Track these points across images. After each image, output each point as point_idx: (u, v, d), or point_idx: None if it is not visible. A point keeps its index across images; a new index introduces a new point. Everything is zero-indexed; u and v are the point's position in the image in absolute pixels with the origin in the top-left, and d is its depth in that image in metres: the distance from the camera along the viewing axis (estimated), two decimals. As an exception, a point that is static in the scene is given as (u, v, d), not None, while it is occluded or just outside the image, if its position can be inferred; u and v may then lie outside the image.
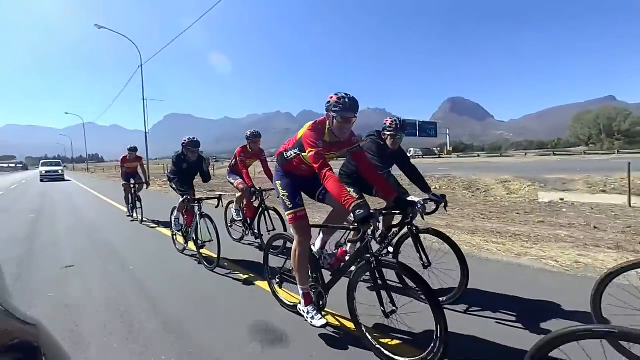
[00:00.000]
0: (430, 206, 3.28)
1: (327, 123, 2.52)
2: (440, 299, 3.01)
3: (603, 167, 14.86)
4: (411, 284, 2.63)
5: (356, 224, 2.11)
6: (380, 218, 3.19)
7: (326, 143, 2.56)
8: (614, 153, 35.11)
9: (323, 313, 2.74)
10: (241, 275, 4.00)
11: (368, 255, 2.28)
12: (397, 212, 2.73)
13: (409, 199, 2.75)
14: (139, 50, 24.86)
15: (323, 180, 2.30)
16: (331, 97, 2.45)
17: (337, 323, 2.78)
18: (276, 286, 3.15)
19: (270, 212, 5.07)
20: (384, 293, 2.25)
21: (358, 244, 2.36)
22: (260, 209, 5.14)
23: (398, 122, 3.41)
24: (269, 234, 4.61)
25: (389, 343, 2.42)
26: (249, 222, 5.31)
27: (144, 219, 7.77)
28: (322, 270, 2.84)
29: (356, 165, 2.83)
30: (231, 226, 5.79)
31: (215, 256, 4.12)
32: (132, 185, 8.27)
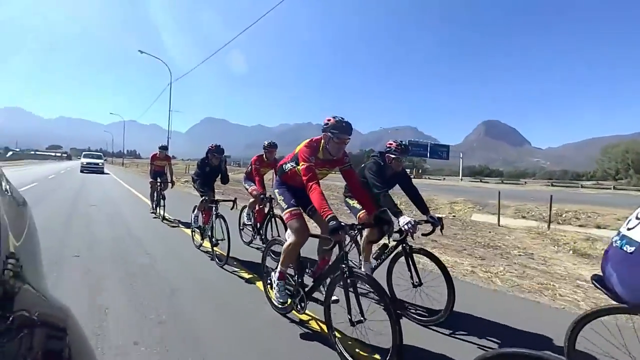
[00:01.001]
0: (427, 227, 3.46)
1: (323, 142, 2.80)
2: (428, 318, 3.16)
3: (573, 199, 15.56)
4: (375, 297, 2.78)
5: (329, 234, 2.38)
6: (364, 231, 3.56)
7: (320, 160, 2.86)
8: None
9: (302, 316, 3.02)
10: (245, 274, 4.33)
11: (343, 266, 2.49)
12: (372, 227, 3.05)
13: (387, 217, 2.99)
14: (170, 69, 28.53)
15: (309, 191, 2.59)
16: (329, 120, 2.77)
17: (316, 327, 3.01)
18: (268, 287, 3.42)
19: (277, 219, 5.36)
20: (354, 303, 2.45)
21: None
22: (269, 216, 5.46)
23: (401, 145, 3.61)
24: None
25: (357, 350, 2.60)
26: (258, 226, 5.65)
27: (165, 217, 7.98)
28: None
29: (347, 181, 3.08)
30: (242, 229, 6.12)
31: (225, 254, 4.50)
32: (158, 183, 8.49)
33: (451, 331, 3.01)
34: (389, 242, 3.33)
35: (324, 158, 2.90)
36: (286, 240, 3.06)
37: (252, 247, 5.70)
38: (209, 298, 3.55)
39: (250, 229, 5.85)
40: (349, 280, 2.48)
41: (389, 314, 2.22)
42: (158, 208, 8.39)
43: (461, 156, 64.54)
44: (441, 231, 3.45)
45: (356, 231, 2.74)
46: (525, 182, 48.08)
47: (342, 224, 2.37)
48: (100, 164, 29.29)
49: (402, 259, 3.35)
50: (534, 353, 1.23)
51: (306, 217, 3.12)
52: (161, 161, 8.71)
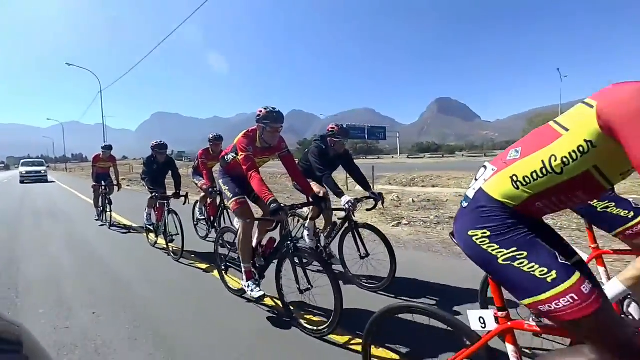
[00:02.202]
0: (370, 203, 3.73)
1: (259, 132, 2.95)
2: (375, 285, 3.44)
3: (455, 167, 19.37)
4: (320, 267, 3.04)
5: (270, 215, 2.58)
6: (308, 211, 3.87)
7: (258, 149, 3.02)
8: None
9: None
10: (203, 265, 4.43)
11: (288, 243, 2.72)
12: (311, 205, 3.23)
13: (321, 195, 3.37)
14: (99, 79, 28.37)
15: (249, 179, 2.76)
16: (260, 111, 2.93)
17: (271, 303, 3.22)
18: (223, 272, 3.57)
19: (229, 210, 5.42)
20: (301, 273, 2.71)
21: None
22: (221, 208, 5.51)
23: (342, 128, 3.83)
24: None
25: (305, 316, 2.86)
26: (212, 220, 5.69)
27: (112, 224, 7.23)
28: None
29: (285, 166, 3.25)
30: (197, 225, 6.10)
31: (180, 249, 4.58)
32: (102, 187, 7.73)
33: (396, 294, 3.31)
34: (350, 221, 3.59)
35: (262, 146, 3.05)
36: (237, 229, 3.19)
37: (208, 241, 5.72)
38: (167, 290, 3.64)
39: (205, 224, 5.88)
40: (295, 255, 2.71)
41: (332, 282, 2.48)
42: (104, 214, 7.59)
43: (398, 136, 67.62)
44: (382, 205, 3.73)
45: (295, 210, 2.93)
46: (485, 154, 51.80)
47: (282, 205, 2.56)
48: (42, 172, 26.59)
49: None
50: (422, 306, 1.49)
51: (251, 204, 3.27)
52: (105, 162, 7.94)
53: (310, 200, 3.12)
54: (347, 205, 3.35)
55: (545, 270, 1.04)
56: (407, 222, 6.65)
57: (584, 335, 1.03)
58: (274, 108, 2.92)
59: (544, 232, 1.23)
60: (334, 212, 4.01)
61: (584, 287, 1.00)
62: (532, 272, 1.05)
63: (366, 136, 61.01)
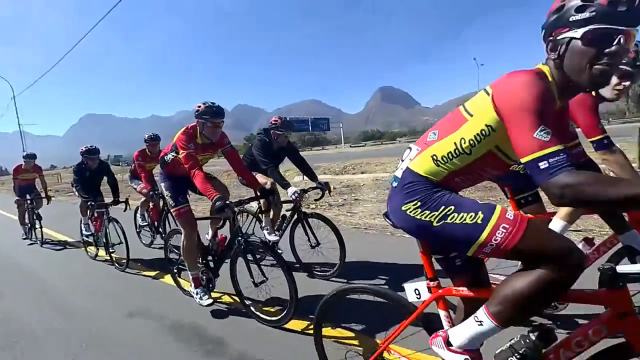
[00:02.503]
0: (317, 193, 3.82)
1: (199, 128, 2.88)
2: (328, 272, 3.56)
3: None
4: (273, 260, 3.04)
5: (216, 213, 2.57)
6: (257, 206, 3.88)
7: (199, 145, 2.96)
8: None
9: (213, 294, 3.18)
10: (150, 272, 4.27)
11: (239, 238, 2.73)
12: (259, 198, 3.27)
13: (268, 187, 3.43)
14: (11, 85, 27.37)
15: (192, 177, 2.72)
16: (199, 107, 2.86)
17: (230, 300, 3.24)
18: (176, 276, 3.50)
19: None
20: (254, 267, 2.75)
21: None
22: (164, 212, 5.26)
23: (285, 121, 3.84)
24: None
25: (263, 308, 2.92)
26: (156, 225, 5.40)
27: (45, 241, 6.48)
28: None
29: (229, 161, 3.24)
30: (140, 232, 5.76)
31: (125, 258, 4.35)
32: (28, 202, 6.84)
33: (348, 278, 3.45)
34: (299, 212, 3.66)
35: (203, 143, 2.99)
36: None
37: (154, 247, 5.41)
38: (116, 302, 3.47)
39: (148, 230, 5.57)
40: (247, 251, 2.74)
41: (286, 273, 2.55)
42: (33, 231, 6.79)
43: (341, 126, 69.71)
44: (330, 194, 3.84)
45: (243, 206, 2.93)
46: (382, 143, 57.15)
47: (227, 202, 2.56)
48: None
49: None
50: (365, 285, 1.61)
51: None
52: (29, 174, 7.02)
53: (258, 194, 3.13)
54: (293, 196, 3.41)
55: (473, 214, 1.16)
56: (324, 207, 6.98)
57: (530, 259, 1.11)
58: (212, 103, 2.88)
59: None
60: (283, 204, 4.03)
61: (508, 215, 1.13)
62: (464, 222, 1.16)
63: (310, 128, 61.55)
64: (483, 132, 1.17)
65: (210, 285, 3.12)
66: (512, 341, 1.17)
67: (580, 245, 2.17)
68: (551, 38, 1.12)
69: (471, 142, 1.20)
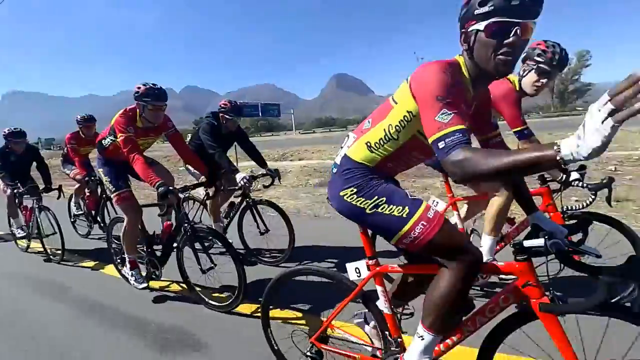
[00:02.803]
0: (267, 179, 3.80)
1: (138, 111, 2.76)
2: (277, 258, 3.60)
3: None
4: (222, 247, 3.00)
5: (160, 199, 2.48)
6: (204, 192, 3.72)
7: (140, 129, 2.83)
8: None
9: (160, 283, 3.12)
10: (88, 263, 4.06)
11: (185, 225, 2.66)
12: (206, 185, 3.13)
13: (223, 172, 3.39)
14: None
15: (132, 163, 2.60)
16: (139, 88, 2.72)
17: (178, 288, 3.19)
18: (119, 265, 3.35)
19: None
20: (202, 255, 2.71)
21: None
22: (103, 200, 4.95)
23: (235, 105, 3.73)
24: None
25: (212, 294, 2.92)
26: (93, 214, 5.05)
27: None
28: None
29: (174, 146, 3.15)
30: (75, 221, 5.35)
31: (61, 249, 4.08)
32: None
33: (297, 262, 3.52)
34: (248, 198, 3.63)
35: (145, 126, 2.86)
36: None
37: (92, 238, 5.07)
38: (55, 296, 3.26)
39: (85, 219, 5.18)
40: (193, 238, 2.68)
41: (234, 259, 2.56)
42: None
43: (292, 112, 69.84)
44: (279, 181, 3.84)
45: (189, 193, 2.85)
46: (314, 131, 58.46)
47: (171, 188, 2.47)
48: None
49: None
50: (309, 267, 1.69)
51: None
52: None
53: (205, 179, 3.06)
54: (242, 182, 3.36)
55: (401, 208, 1.27)
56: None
57: (438, 252, 1.25)
58: (154, 84, 2.73)
59: (396, 184, 1.49)
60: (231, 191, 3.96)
61: (429, 214, 1.26)
62: (392, 214, 1.28)
63: (260, 113, 60.01)
64: (405, 118, 1.27)
65: (157, 273, 3.02)
66: None
67: (504, 225, 2.44)
68: (463, 30, 1.21)
69: (397, 127, 1.30)
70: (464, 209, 2.75)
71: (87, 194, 4.99)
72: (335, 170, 1.44)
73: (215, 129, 3.67)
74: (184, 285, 2.96)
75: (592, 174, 5.78)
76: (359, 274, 1.55)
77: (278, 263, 3.55)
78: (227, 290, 2.95)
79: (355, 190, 1.35)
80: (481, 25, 1.13)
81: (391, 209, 1.28)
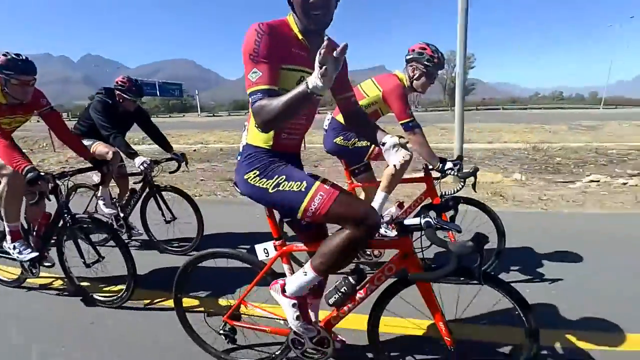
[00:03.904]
0: (172, 165, 3.58)
1: (0, 85, 2.37)
2: (185, 247, 3.45)
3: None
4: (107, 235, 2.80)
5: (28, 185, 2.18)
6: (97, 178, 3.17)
7: (4, 105, 2.44)
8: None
9: (41, 280, 2.81)
10: None
11: (65, 215, 2.39)
12: (92, 170, 2.81)
13: (110, 156, 3.20)
14: None
15: None
16: None
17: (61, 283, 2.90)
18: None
19: None
20: (89, 247, 2.50)
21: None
22: None
23: (132, 82, 3.38)
24: None
25: (103, 289, 2.74)
26: None
27: None
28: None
29: (49, 126, 2.79)
30: None
31: None
32: None
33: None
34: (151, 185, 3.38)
35: (10, 103, 2.44)
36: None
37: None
38: None
39: None
40: (74, 229, 2.43)
41: (120, 248, 2.41)
42: None
43: (197, 93, 66.61)
44: (186, 166, 3.66)
45: (68, 178, 2.51)
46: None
47: (41, 173, 2.18)
48: None
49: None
50: (219, 250, 1.74)
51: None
52: None
53: (90, 164, 2.74)
54: (142, 167, 3.12)
55: (299, 182, 1.38)
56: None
57: (340, 220, 1.35)
58: (18, 55, 2.34)
59: (299, 166, 1.61)
60: (130, 177, 3.63)
61: (326, 185, 1.37)
62: (292, 190, 1.37)
63: (158, 93, 53.78)
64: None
65: (35, 270, 2.63)
66: (337, 282, 1.50)
67: (393, 208, 2.79)
68: None
69: None
70: (362, 195, 3.01)
71: None
72: (239, 157, 1.52)
73: (109, 107, 3.30)
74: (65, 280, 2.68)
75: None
76: (267, 254, 1.66)
77: (186, 252, 3.40)
78: (118, 283, 2.73)
79: (257, 172, 1.44)
80: None
81: (290, 185, 1.38)
